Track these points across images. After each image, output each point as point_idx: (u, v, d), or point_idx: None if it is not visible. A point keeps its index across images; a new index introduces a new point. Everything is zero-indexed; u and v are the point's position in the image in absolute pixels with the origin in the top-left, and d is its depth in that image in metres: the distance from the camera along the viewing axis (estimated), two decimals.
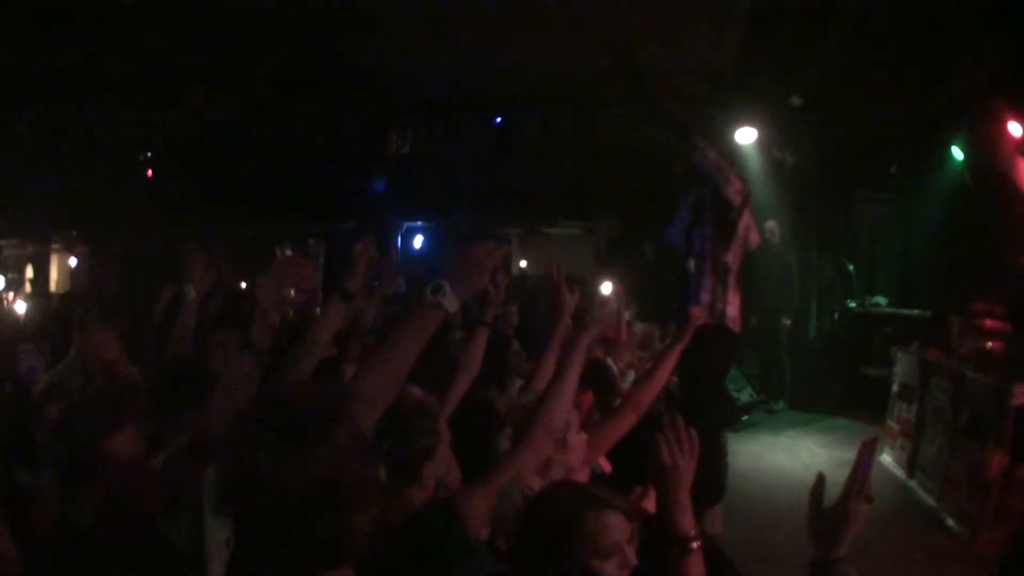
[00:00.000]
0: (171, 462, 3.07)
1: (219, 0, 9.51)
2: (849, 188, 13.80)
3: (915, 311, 12.01)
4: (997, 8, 8.72)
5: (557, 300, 4.63)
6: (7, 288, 17.68)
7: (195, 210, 15.70)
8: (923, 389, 8.81)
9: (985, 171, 10.72)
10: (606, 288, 7.76)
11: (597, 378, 5.94)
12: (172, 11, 9.52)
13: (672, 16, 9.51)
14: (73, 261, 20.92)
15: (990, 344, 8.12)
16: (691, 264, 6.89)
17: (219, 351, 5.06)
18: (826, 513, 2.34)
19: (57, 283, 21.35)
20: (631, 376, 6.90)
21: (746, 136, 11.03)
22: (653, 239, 14.03)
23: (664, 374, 4.68)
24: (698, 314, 5.01)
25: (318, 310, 4.09)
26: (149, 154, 15.49)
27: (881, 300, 13.17)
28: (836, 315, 13.35)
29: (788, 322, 12.42)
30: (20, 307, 12.06)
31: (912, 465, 8.65)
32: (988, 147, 10.27)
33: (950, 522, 7.36)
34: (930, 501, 7.94)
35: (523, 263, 19.21)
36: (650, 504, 3.13)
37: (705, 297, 6.79)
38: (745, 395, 11.57)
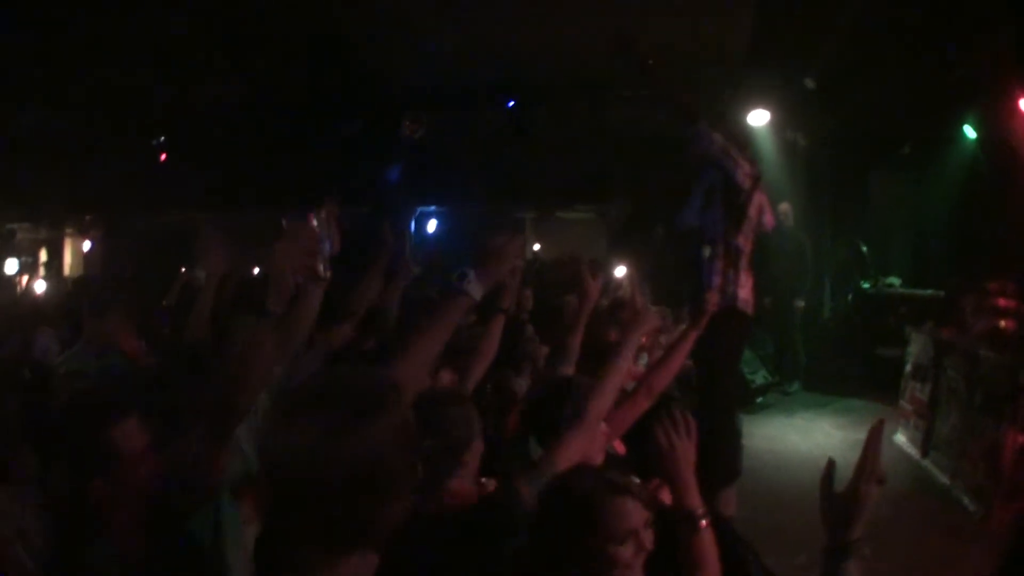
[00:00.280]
0: (184, 451, 3.07)
1: None
2: (862, 169, 13.76)
3: (929, 291, 12.00)
4: None
5: (581, 286, 4.69)
6: (21, 272, 17.74)
7: (208, 195, 15.76)
8: (937, 369, 8.82)
9: (998, 150, 10.70)
10: (620, 272, 7.79)
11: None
12: None
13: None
14: (87, 245, 20.97)
15: (1004, 323, 8.15)
16: (706, 251, 6.90)
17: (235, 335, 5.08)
18: (838, 497, 2.36)
19: (71, 267, 21.40)
20: (644, 359, 6.93)
21: (759, 118, 11.02)
22: (665, 222, 14.05)
23: (679, 359, 4.70)
24: (714, 300, 5.05)
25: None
26: (163, 138, 15.52)
27: (895, 280, 13.16)
28: (850, 296, 13.34)
29: (802, 304, 12.41)
30: (40, 287, 12.09)
31: (926, 444, 8.67)
32: (1001, 126, 10.25)
33: (965, 500, 7.39)
34: (944, 480, 7.97)
35: (536, 247, 19.20)
36: (667, 495, 3.17)
37: (717, 280, 6.79)
38: (760, 377, 11.58)
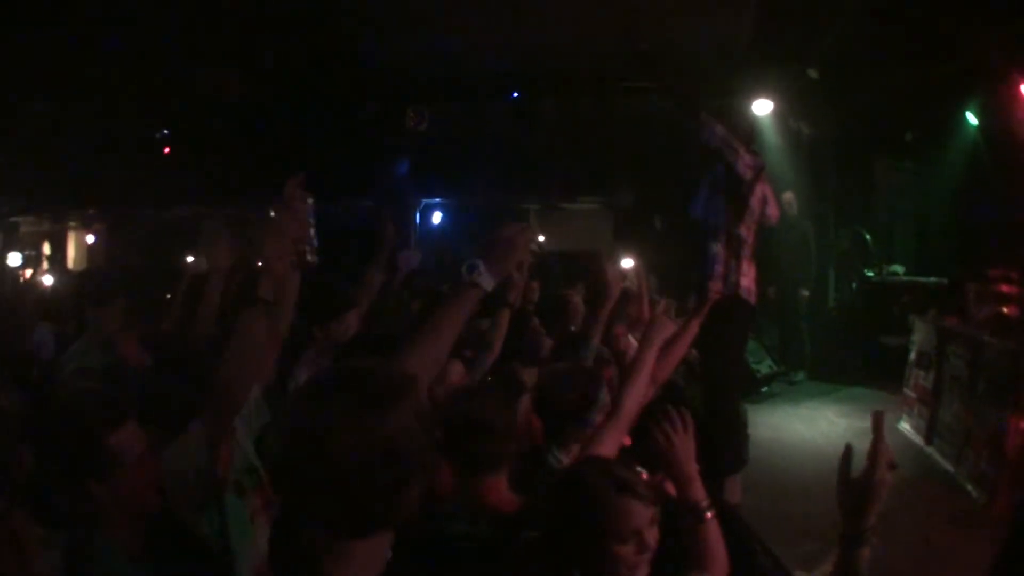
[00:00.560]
0: (185, 449, 3.07)
1: None
2: (866, 157, 13.77)
3: (932, 279, 12.00)
4: None
5: (602, 282, 4.74)
6: (24, 265, 17.74)
7: (212, 188, 15.78)
8: (940, 356, 8.85)
9: (1000, 137, 10.72)
10: (626, 263, 7.81)
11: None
12: None
13: None
14: (91, 238, 20.98)
15: (1007, 309, 8.17)
16: (714, 246, 6.93)
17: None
18: (855, 484, 2.38)
19: (75, 260, 21.40)
20: None
21: (762, 108, 11.04)
22: (664, 213, 14.07)
23: (682, 348, 4.73)
24: (716, 289, 5.09)
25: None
26: (166, 131, 15.54)
27: (898, 268, 13.18)
28: (854, 285, 13.35)
29: (806, 293, 12.43)
30: (47, 280, 12.10)
31: (930, 432, 8.71)
32: (1003, 113, 10.26)
33: (969, 487, 7.43)
34: (948, 467, 8.00)
35: (541, 238, 19.18)
36: (671, 486, 3.21)
37: (718, 269, 6.84)
38: (765, 367, 11.61)
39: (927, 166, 13.33)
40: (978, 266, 9.39)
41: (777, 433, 9.55)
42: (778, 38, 10.88)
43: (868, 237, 13.26)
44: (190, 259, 6.34)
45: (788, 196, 12.29)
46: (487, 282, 2.67)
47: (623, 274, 7.33)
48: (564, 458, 3.70)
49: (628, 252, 8.50)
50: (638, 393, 3.51)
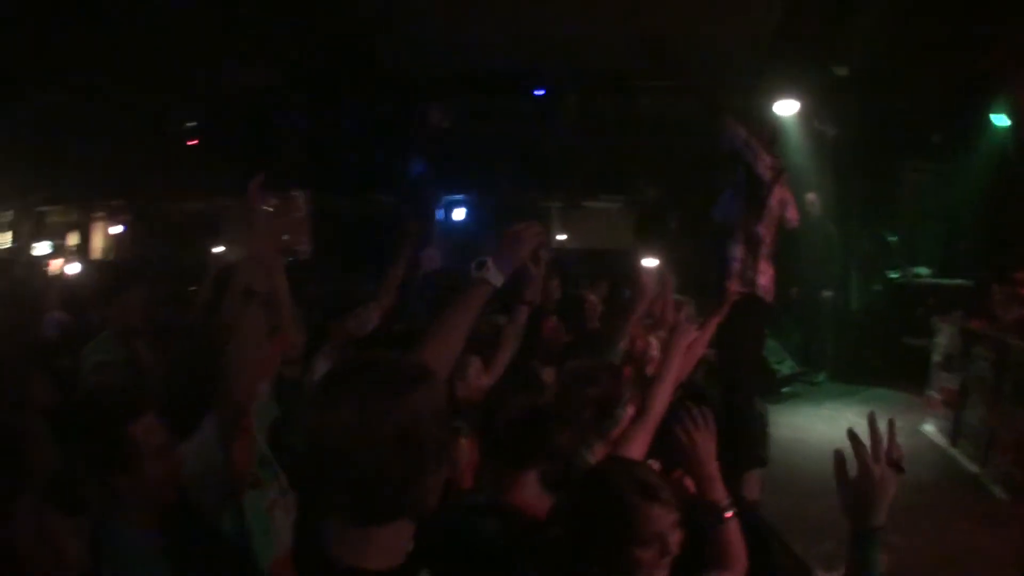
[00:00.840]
0: (203, 445, 3.09)
1: None
2: (891, 158, 13.67)
3: (957, 281, 11.91)
4: None
5: (638, 284, 4.77)
6: (52, 255, 17.91)
7: (237, 180, 15.83)
8: (965, 358, 8.80)
9: None
10: (648, 263, 7.80)
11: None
12: None
13: None
14: (116, 229, 21.13)
15: None
16: (734, 249, 6.93)
17: None
18: (852, 483, 2.36)
19: (101, 251, 21.57)
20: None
21: (786, 108, 10.98)
22: (680, 212, 14.05)
23: (700, 348, 4.73)
24: (734, 290, 5.10)
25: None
26: (192, 123, 15.62)
27: (923, 270, 13.08)
28: (877, 286, 13.28)
29: (830, 294, 12.39)
30: (72, 269, 12.19)
31: (955, 434, 8.66)
32: None
33: (994, 488, 7.39)
34: (973, 468, 7.96)
35: (560, 237, 19.15)
36: (691, 484, 3.21)
37: (736, 265, 6.86)
38: (786, 367, 11.57)
39: (953, 167, 13.20)
40: (1005, 269, 9.31)
41: (799, 433, 9.50)
42: (803, 37, 10.83)
43: (892, 239, 13.17)
44: (217, 250, 6.36)
45: (811, 197, 12.25)
46: (496, 278, 2.72)
47: (658, 276, 7.35)
48: (590, 457, 3.69)
49: (652, 251, 8.50)
50: (665, 395, 3.53)
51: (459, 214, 18.41)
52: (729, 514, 2.95)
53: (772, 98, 10.38)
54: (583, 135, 14.48)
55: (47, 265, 15.84)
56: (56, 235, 20.23)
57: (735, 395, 6.87)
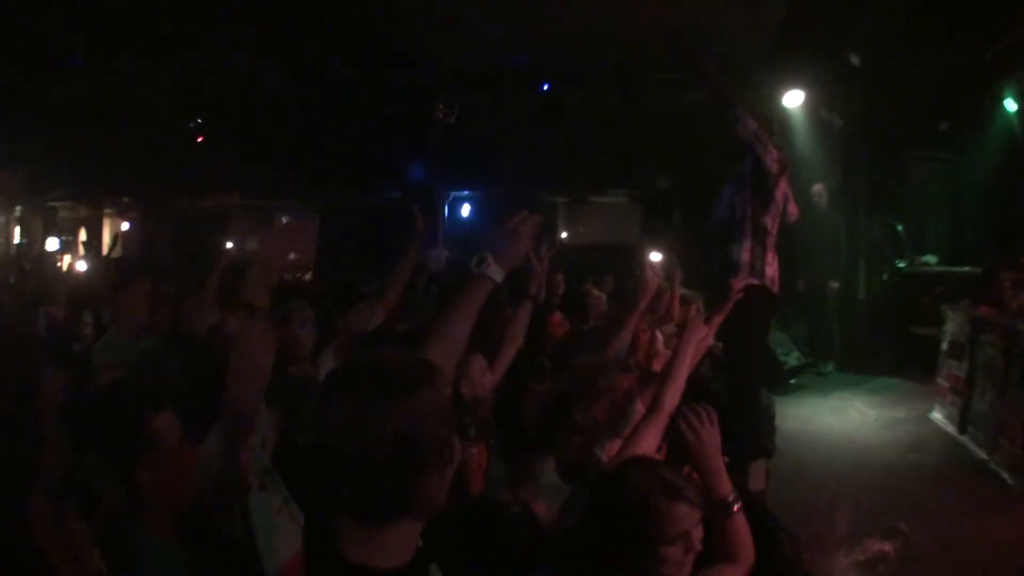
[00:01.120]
0: (206, 455, 3.12)
1: None
2: (899, 147, 13.65)
3: (965, 268, 11.87)
4: None
5: (641, 279, 4.76)
6: (62, 250, 18.02)
7: (244, 178, 15.90)
8: (973, 345, 8.79)
9: None
10: (655, 258, 7.84)
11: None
12: None
13: None
14: (125, 225, 21.22)
15: None
16: (735, 251, 6.94)
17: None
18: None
19: (109, 247, 21.70)
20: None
21: (794, 99, 10.98)
22: (685, 206, 14.05)
23: (704, 342, 4.74)
24: (738, 287, 5.10)
25: (309, 275, 4.26)
26: (200, 120, 15.67)
27: (931, 259, 13.05)
28: (885, 276, 13.26)
29: (837, 284, 12.38)
30: (81, 266, 12.23)
31: (964, 421, 8.66)
32: None
33: (1004, 474, 7.39)
34: (982, 455, 7.96)
35: (564, 234, 19.16)
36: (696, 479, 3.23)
37: (745, 256, 6.87)
38: (793, 359, 11.57)
39: (962, 155, 13.19)
40: (1013, 255, 9.30)
41: (807, 424, 9.51)
42: (810, 28, 10.82)
43: (900, 228, 13.15)
44: (229, 245, 6.39)
45: (818, 188, 12.26)
46: (496, 274, 2.73)
47: (664, 270, 7.38)
48: (603, 455, 3.71)
49: (659, 246, 8.52)
50: (677, 391, 3.54)
51: (465, 210, 18.43)
52: (737, 507, 2.96)
53: (779, 89, 10.39)
54: (589, 130, 14.48)
55: (59, 261, 15.94)
56: (66, 231, 20.35)
57: (741, 386, 6.89)
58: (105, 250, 17.12)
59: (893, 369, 11.54)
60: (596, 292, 8.26)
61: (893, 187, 13.67)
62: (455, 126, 14.22)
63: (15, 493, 2.85)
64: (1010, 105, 11.42)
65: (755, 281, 6.73)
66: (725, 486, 2.98)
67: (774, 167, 6.81)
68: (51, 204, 20.28)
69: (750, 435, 6.52)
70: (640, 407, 3.91)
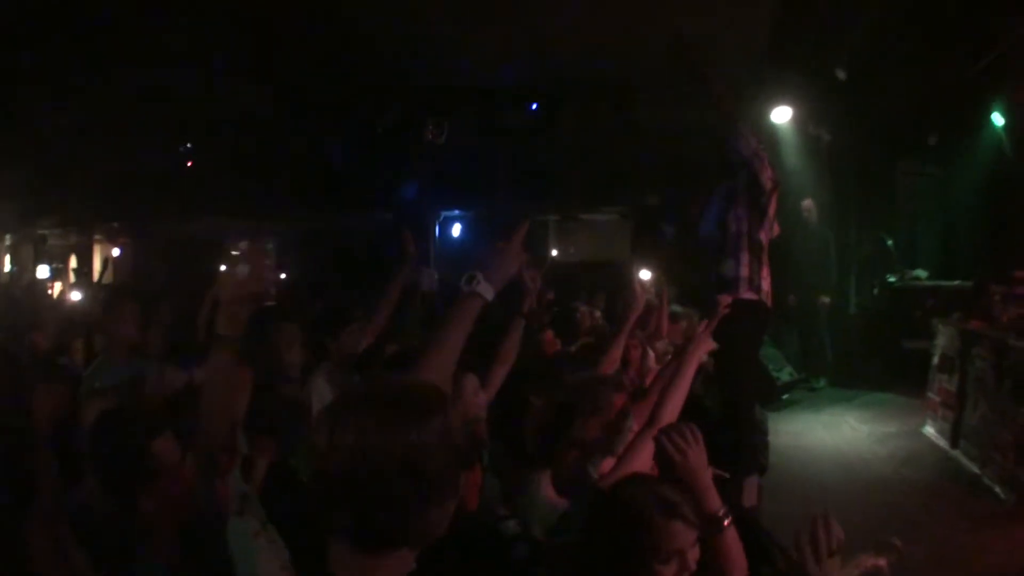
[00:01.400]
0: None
1: None
2: (888, 162, 13.70)
3: (956, 282, 11.89)
4: None
5: (630, 293, 4.76)
6: (52, 278, 17.98)
7: (235, 202, 15.90)
8: (964, 359, 8.79)
9: None
10: (644, 275, 7.85)
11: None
12: (210, 3, 9.65)
13: None
14: (116, 251, 21.22)
15: None
16: (732, 266, 6.97)
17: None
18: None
19: (100, 273, 21.69)
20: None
21: (782, 115, 11.02)
22: (675, 222, 14.06)
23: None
24: (726, 302, 5.10)
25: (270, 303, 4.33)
26: (189, 145, 15.67)
27: (921, 273, 13.08)
28: (875, 290, 13.29)
29: (828, 300, 12.40)
30: (75, 296, 12.23)
31: (955, 435, 8.66)
32: None
33: (996, 488, 7.38)
34: (974, 469, 7.96)
35: (554, 252, 19.19)
36: None
37: (744, 271, 6.88)
38: (785, 374, 11.56)
39: (951, 169, 13.23)
40: (1003, 269, 9.32)
41: (799, 440, 9.51)
42: (796, 43, 10.86)
43: (890, 242, 13.18)
44: (223, 268, 6.38)
45: (807, 203, 12.29)
46: (487, 292, 2.71)
47: (647, 287, 7.38)
48: (595, 472, 3.71)
49: (648, 263, 8.53)
50: (675, 407, 3.54)
51: (456, 230, 18.45)
52: (727, 522, 2.96)
53: (767, 105, 10.42)
54: (579, 148, 14.51)
55: (49, 288, 15.90)
56: (56, 259, 20.31)
57: (734, 402, 6.90)
58: (96, 276, 17.10)
59: (885, 384, 11.54)
60: (584, 309, 8.28)
61: (883, 202, 13.72)
62: (445, 145, 14.24)
63: (12, 523, 2.85)
64: (997, 119, 11.46)
65: (752, 296, 6.76)
66: (715, 502, 2.98)
67: (768, 184, 6.85)
68: (41, 232, 20.26)
69: (743, 451, 6.52)
70: (634, 424, 3.92)
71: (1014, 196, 11.05)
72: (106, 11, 9.63)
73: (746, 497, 6.22)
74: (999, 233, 11.37)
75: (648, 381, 5.82)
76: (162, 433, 2.94)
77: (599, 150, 14.63)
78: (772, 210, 7.01)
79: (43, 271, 18.19)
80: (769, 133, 11.07)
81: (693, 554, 2.65)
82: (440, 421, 1.91)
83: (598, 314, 9.07)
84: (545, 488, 3.26)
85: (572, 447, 3.32)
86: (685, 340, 7.21)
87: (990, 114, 11.56)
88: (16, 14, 9.46)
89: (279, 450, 3.98)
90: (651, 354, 6.71)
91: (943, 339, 9.58)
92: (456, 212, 18.24)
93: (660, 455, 2.96)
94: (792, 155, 12.29)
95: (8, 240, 20.27)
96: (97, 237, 21.74)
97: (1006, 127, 11.38)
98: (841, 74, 11.28)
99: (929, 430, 9.30)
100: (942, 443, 8.89)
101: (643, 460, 3.32)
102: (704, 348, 3.91)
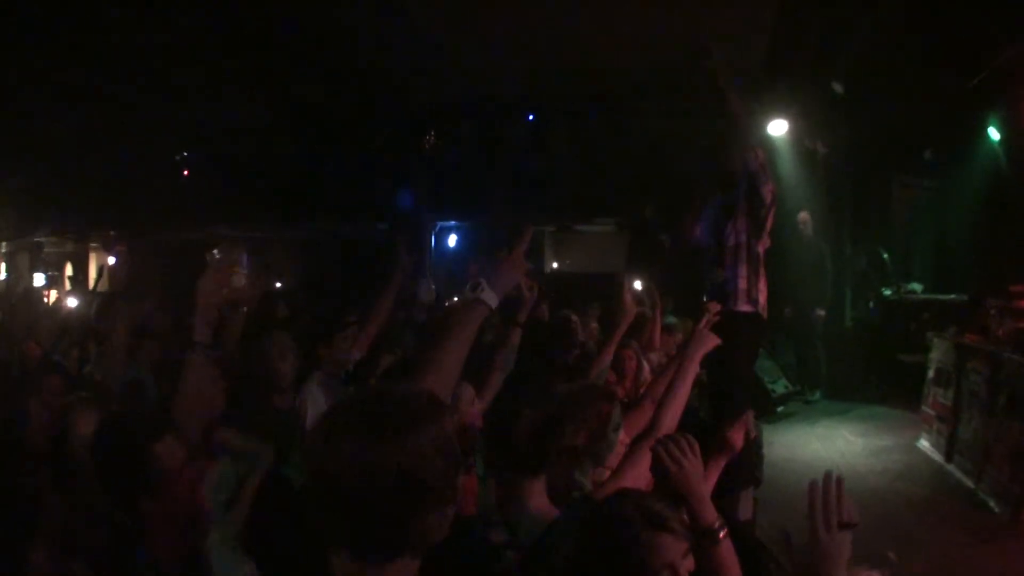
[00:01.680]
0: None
1: (254, 4, 9.63)
2: (883, 175, 13.73)
3: (951, 296, 11.89)
4: None
5: (619, 305, 4.75)
6: (48, 286, 17.97)
7: (230, 211, 15.91)
8: (959, 373, 8.79)
9: (1021, 151, 10.67)
10: (638, 285, 7.84)
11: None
12: (207, 15, 9.65)
13: (702, 12, 9.54)
14: (111, 260, 21.21)
15: None
16: (730, 279, 6.97)
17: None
18: (804, 552, 2.37)
19: (95, 281, 21.69)
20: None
21: (778, 128, 11.03)
22: (671, 233, 14.07)
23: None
24: (715, 309, 5.09)
25: (244, 308, 4.33)
26: (185, 154, 15.68)
27: (916, 286, 13.08)
28: (871, 303, 13.29)
29: (823, 313, 12.39)
30: (71, 302, 12.22)
31: (950, 449, 8.64)
32: None
33: (991, 503, 7.37)
34: (969, 483, 7.94)
35: (555, 265, 19.20)
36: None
37: (741, 284, 6.90)
38: (780, 387, 11.55)
39: (946, 183, 13.26)
40: (998, 283, 9.33)
41: (794, 452, 9.48)
42: (793, 57, 10.88)
43: (886, 255, 13.19)
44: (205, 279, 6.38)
45: (803, 216, 12.30)
46: (491, 299, 2.70)
47: (640, 298, 7.37)
48: (585, 480, 3.70)
49: (642, 274, 8.53)
50: (675, 414, 3.53)
51: (452, 240, 18.45)
52: (723, 534, 2.94)
53: (763, 118, 10.43)
54: (574, 159, 14.53)
55: (45, 296, 15.88)
56: (52, 266, 20.29)
57: (729, 415, 6.88)
58: (91, 284, 17.09)
59: (879, 397, 11.54)
60: (575, 318, 8.27)
61: (878, 215, 13.75)
62: (441, 156, 14.26)
63: (15, 546, 2.85)
64: (993, 134, 11.49)
65: (749, 308, 6.77)
66: (710, 514, 2.96)
67: (768, 197, 6.87)
68: (37, 240, 20.25)
69: (738, 464, 6.51)
70: (624, 436, 3.90)
71: (1010, 210, 11.06)
72: (104, 21, 9.64)
73: (741, 510, 6.21)
74: (994, 247, 11.38)
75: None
76: (166, 435, 2.93)
77: (595, 161, 14.64)
78: (769, 223, 7.03)
79: (39, 279, 18.18)
80: (765, 146, 11.10)
81: (686, 565, 2.62)
82: (434, 427, 1.91)
83: (594, 325, 9.05)
84: (536, 497, 3.24)
85: (562, 456, 3.31)
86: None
87: (986, 128, 11.59)
88: (14, 22, 9.48)
89: (272, 459, 3.96)
90: (646, 366, 6.70)
91: (938, 353, 9.57)
92: (452, 223, 18.23)
93: (656, 466, 2.94)
94: (788, 168, 12.30)
95: (4, 248, 20.25)
96: (93, 245, 21.74)
97: (1002, 141, 11.40)
98: (838, 88, 11.31)
99: (924, 444, 9.29)
100: (937, 457, 8.87)
101: (643, 470, 3.30)
102: (706, 345, 3.88)
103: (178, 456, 2.94)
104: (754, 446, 7.13)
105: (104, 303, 5.83)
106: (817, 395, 12.14)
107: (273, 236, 18.40)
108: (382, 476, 1.81)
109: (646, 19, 9.89)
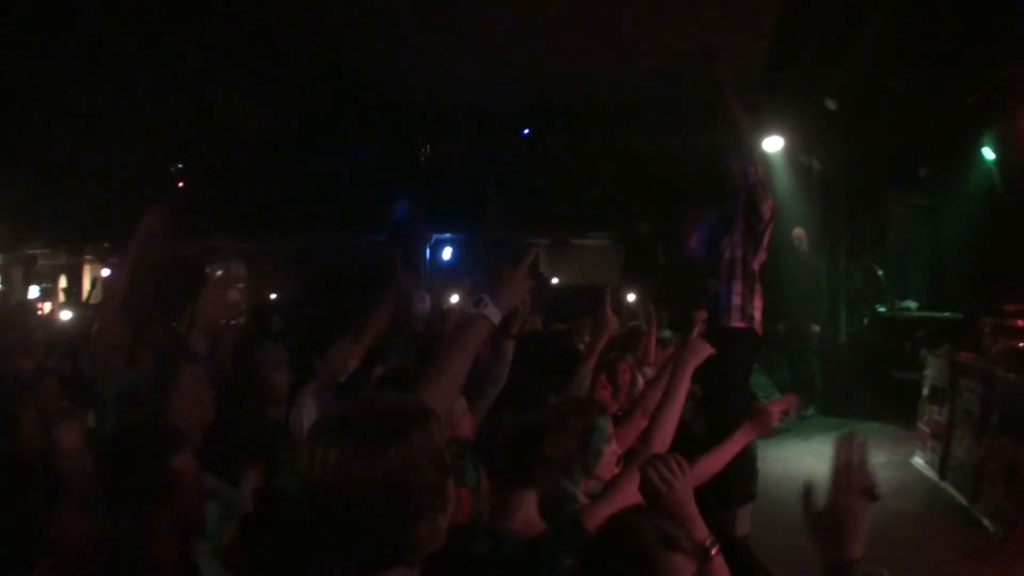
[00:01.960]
0: None
1: (250, 16, 9.64)
2: (879, 193, 13.76)
3: (946, 314, 11.93)
4: None
5: (600, 316, 4.75)
6: (42, 298, 17.96)
7: (226, 222, 15.89)
8: (953, 391, 8.79)
9: (1016, 170, 10.70)
10: (631, 299, 7.85)
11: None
12: (204, 27, 9.67)
13: (698, 27, 9.56)
14: (106, 272, 21.18)
15: (1021, 344, 8.10)
16: (724, 294, 6.97)
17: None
18: (821, 515, 2.34)
19: (89, 293, 21.68)
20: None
21: (773, 144, 11.05)
22: (667, 247, 14.08)
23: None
24: (701, 317, 5.09)
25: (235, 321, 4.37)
26: (180, 166, 15.68)
27: (911, 304, 13.11)
28: (866, 320, 13.30)
29: (818, 329, 12.40)
30: (65, 315, 12.22)
31: (944, 466, 8.64)
32: (1020, 146, 10.25)
33: (985, 521, 7.35)
34: (963, 501, 7.93)
35: (554, 280, 19.19)
36: None
37: (736, 300, 6.91)
38: None
39: (941, 201, 13.29)
40: (993, 301, 9.34)
41: (788, 468, 9.47)
42: (788, 74, 10.91)
43: (880, 273, 13.21)
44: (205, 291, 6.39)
45: (798, 232, 12.32)
46: (494, 314, 2.70)
47: (633, 312, 7.37)
48: (574, 489, 3.69)
49: (637, 288, 8.53)
50: (669, 427, 3.52)
51: (447, 253, 18.44)
52: (715, 551, 2.93)
53: (758, 135, 10.45)
54: (571, 173, 14.54)
55: (39, 308, 15.87)
56: (46, 279, 20.28)
57: (724, 430, 6.87)
58: (85, 296, 17.08)
59: (874, 413, 11.51)
60: (561, 327, 8.29)
61: (873, 232, 13.77)
62: (438, 169, 14.28)
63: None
64: (988, 153, 11.53)
65: (743, 324, 6.77)
66: (701, 531, 2.95)
67: (767, 213, 6.87)
68: (31, 252, 20.23)
69: (734, 480, 6.49)
70: (617, 448, 3.90)
71: (1004, 229, 11.08)
72: (99, 31, 9.65)
73: (739, 526, 6.21)
74: (989, 265, 11.39)
75: None
76: (183, 449, 2.95)
77: (590, 175, 14.65)
78: (767, 239, 7.04)
79: (33, 291, 18.16)
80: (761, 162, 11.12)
81: None
82: (421, 436, 1.90)
83: (587, 339, 9.05)
84: (525, 509, 3.23)
85: (544, 466, 3.30)
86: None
87: (981, 147, 11.63)
88: (7, 33, 9.48)
89: (266, 472, 3.96)
90: (640, 380, 6.69)
91: (933, 370, 9.58)
92: (448, 235, 18.23)
93: (645, 487, 2.93)
94: (783, 184, 12.32)
95: None
96: (87, 257, 21.71)
97: (997, 161, 11.44)
98: (832, 105, 11.34)
99: (918, 461, 9.29)
100: (931, 474, 8.87)
101: (632, 491, 3.29)
102: (699, 354, 3.88)
103: (193, 469, 2.97)
104: (749, 461, 7.15)
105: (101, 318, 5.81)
106: (811, 411, 12.12)
107: (268, 247, 18.42)
108: (367, 488, 1.81)
109: (642, 35, 9.92)
